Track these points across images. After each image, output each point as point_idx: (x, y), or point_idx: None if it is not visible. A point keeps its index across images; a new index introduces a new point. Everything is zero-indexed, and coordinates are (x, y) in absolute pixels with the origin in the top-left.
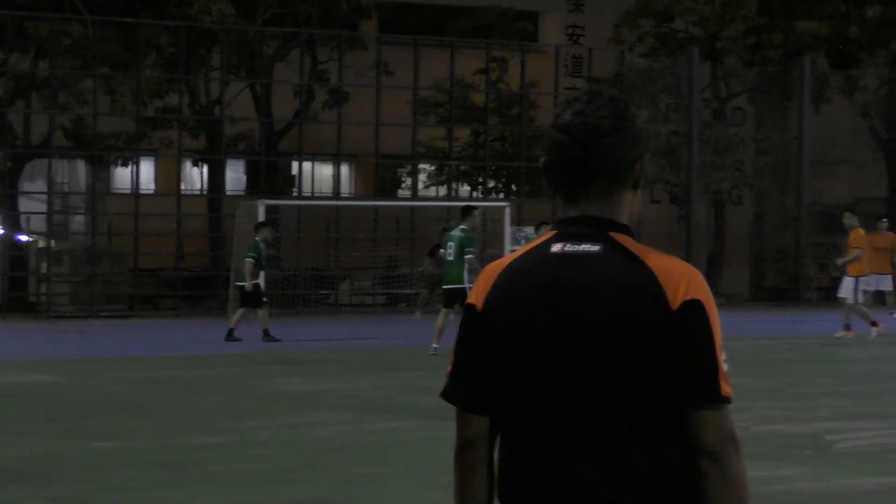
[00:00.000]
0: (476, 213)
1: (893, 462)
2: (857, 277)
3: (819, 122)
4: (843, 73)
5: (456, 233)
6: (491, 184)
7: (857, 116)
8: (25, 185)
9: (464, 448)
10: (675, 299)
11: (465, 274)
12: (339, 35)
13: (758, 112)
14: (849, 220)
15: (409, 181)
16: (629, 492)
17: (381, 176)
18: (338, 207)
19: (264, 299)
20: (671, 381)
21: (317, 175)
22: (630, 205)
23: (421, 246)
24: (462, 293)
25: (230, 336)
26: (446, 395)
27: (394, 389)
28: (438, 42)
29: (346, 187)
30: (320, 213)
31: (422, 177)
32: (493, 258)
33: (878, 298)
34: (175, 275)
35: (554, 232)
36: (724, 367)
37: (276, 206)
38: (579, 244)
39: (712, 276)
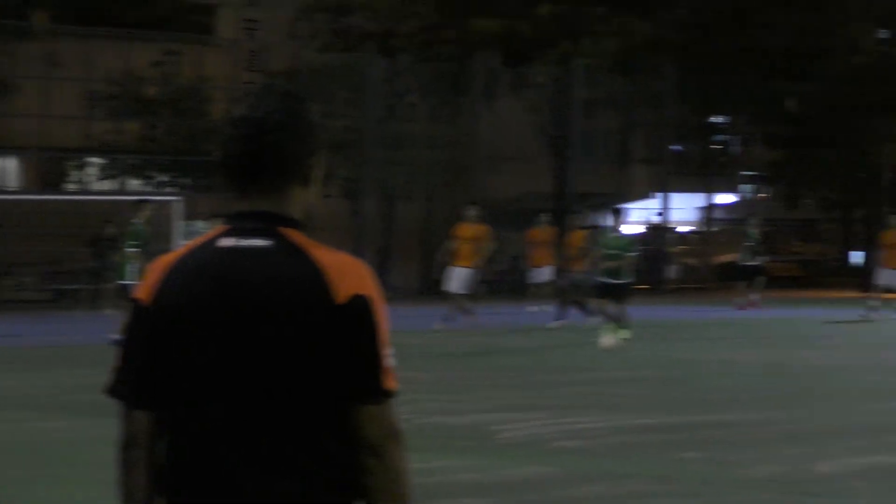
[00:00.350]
0: (147, 206)
1: (553, 452)
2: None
3: (491, 118)
4: (514, 70)
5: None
6: (164, 178)
7: (527, 113)
8: None
9: (128, 444)
10: (340, 294)
11: (128, 268)
12: (5, 25)
13: (431, 108)
14: (472, 212)
15: (77, 175)
16: (291, 487)
17: (46, 169)
18: (0, 201)
19: None
20: (334, 376)
21: None
22: (302, 200)
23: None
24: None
25: None
26: (111, 391)
27: (57, 388)
28: (113, 34)
29: (12, 180)
30: None
31: (92, 170)
32: (164, 253)
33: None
34: None
35: (224, 227)
36: (389, 361)
37: None
38: (248, 239)
39: (382, 271)
